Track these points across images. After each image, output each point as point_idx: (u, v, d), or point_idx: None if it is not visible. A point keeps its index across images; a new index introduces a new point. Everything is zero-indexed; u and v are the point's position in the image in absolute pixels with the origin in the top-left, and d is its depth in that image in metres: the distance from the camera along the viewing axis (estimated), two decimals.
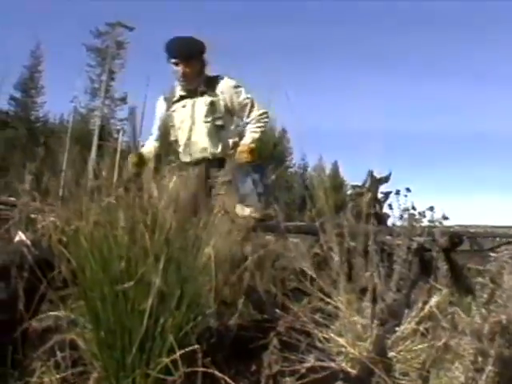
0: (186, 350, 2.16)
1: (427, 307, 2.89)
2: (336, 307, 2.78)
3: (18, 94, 51.71)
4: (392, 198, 4.89)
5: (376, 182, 5.93)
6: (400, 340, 2.73)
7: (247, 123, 4.93)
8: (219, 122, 4.84)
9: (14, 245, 2.94)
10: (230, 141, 4.88)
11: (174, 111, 4.99)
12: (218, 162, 4.78)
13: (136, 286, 2.15)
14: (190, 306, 2.24)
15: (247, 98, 4.91)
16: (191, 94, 4.90)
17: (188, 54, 4.80)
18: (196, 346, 2.17)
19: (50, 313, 2.60)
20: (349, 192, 6.70)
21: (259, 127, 4.87)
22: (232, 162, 4.65)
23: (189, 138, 4.87)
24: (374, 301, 2.87)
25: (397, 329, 2.78)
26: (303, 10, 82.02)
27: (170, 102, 5.03)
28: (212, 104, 4.84)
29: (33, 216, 4.04)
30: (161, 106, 5.12)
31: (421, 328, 2.79)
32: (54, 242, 2.55)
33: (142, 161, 4.69)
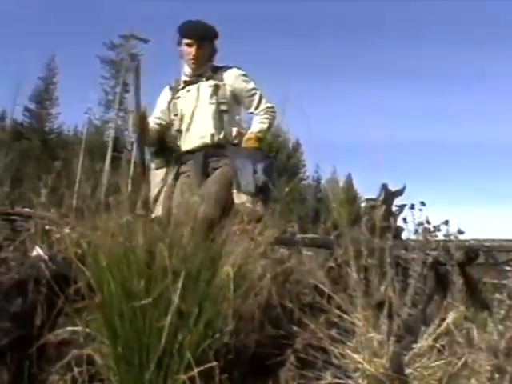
0: (204, 366, 2.16)
1: (444, 324, 2.87)
2: (352, 323, 2.77)
3: (32, 106, 52.23)
4: (406, 212, 4.88)
5: (390, 196, 5.90)
6: (417, 357, 2.72)
7: (255, 114, 4.79)
8: (224, 107, 4.70)
9: (31, 259, 2.95)
10: (234, 129, 4.71)
11: (178, 98, 4.86)
12: (217, 149, 4.58)
13: (154, 304, 2.15)
14: (207, 323, 2.24)
15: (256, 89, 4.80)
16: (197, 79, 4.80)
17: (202, 35, 4.74)
18: (213, 363, 2.17)
19: (67, 328, 2.60)
20: (363, 205, 6.65)
21: (267, 119, 4.72)
22: (234, 148, 4.55)
23: (190, 123, 4.72)
24: (391, 317, 2.86)
25: (413, 345, 2.77)
26: (314, 23, 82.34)
27: (176, 90, 4.92)
28: (217, 87, 4.71)
29: (48, 228, 4.05)
30: (165, 95, 5.01)
31: (437, 344, 2.78)
32: (71, 255, 2.56)
33: (143, 121, 4.57)
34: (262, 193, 4.20)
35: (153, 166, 4.81)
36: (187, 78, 4.87)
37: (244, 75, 4.81)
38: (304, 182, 59.07)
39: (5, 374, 2.41)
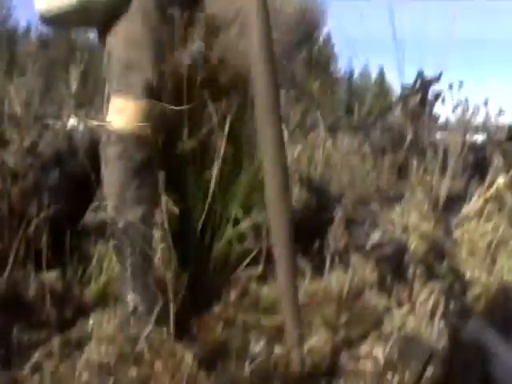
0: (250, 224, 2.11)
1: (492, 188, 2.84)
2: (399, 189, 2.73)
3: None
4: (445, 93, 4.78)
5: (426, 83, 5.77)
6: (465, 220, 2.68)
7: None
8: None
9: (66, 131, 2.90)
10: None
11: None
12: None
13: (201, 154, 2.04)
14: (255, 176, 2.14)
15: None
16: None
17: None
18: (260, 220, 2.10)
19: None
20: (398, 93, 6.51)
21: None
22: None
23: None
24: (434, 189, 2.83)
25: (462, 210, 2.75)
26: None
27: None
28: None
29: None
30: None
31: (485, 210, 2.75)
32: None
33: None
34: None
35: None
36: None
37: None
38: (336, 76, 58.26)
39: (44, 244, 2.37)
